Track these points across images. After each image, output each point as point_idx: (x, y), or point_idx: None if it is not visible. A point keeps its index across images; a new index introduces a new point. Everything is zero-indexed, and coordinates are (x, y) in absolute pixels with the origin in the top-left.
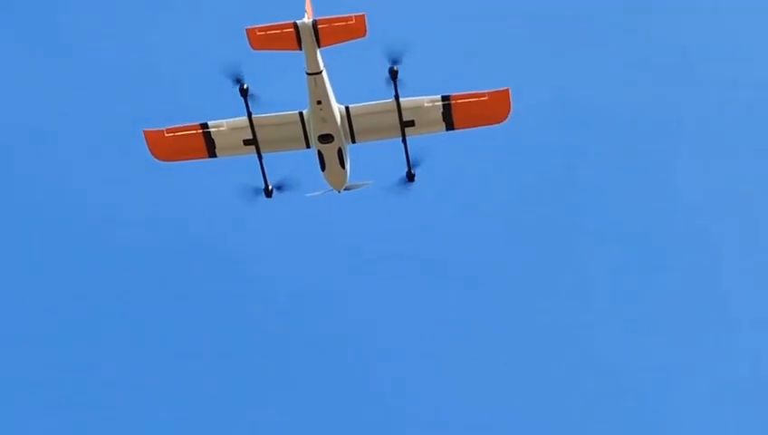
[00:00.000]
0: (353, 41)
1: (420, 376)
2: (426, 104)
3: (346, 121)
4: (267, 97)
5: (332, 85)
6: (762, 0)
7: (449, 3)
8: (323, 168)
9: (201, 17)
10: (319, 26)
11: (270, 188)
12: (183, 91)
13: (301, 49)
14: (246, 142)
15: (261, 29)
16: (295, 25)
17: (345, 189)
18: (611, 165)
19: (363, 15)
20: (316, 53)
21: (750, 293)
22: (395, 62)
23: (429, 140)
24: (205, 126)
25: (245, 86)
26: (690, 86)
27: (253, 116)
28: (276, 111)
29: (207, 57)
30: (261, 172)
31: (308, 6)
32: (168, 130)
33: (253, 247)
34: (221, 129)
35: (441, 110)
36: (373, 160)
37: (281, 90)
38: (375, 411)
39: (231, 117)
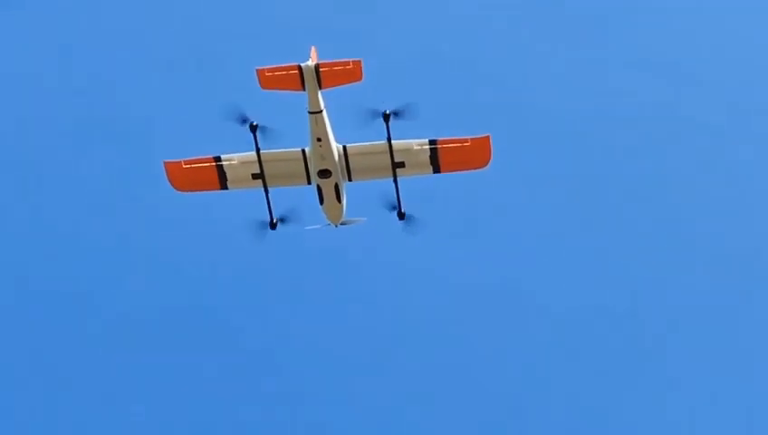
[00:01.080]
0: (351, 84)
1: None
2: (415, 147)
3: (343, 159)
4: (274, 133)
5: (332, 125)
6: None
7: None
8: (322, 202)
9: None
10: (320, 69)
11: (274, 220)
12: (197, 126)
13: (304, 90)
14: (254, 176)
15: (269, 70)
16: (299, 68)
17: (342, 224)
18: None
19: (360, 61)
20: (317, 94)
21: None
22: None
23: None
24: (218, 159)
25: (255, 123)
26: None
27: (260, 151)
28: (282, 148)
29: (222, 93)
30: (267, 205)
31: (313, 53)
32: (186, 162)
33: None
34: (232, 162)
35: (429, 153)
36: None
37: (286, 127)
38: None
39: (241, 151)
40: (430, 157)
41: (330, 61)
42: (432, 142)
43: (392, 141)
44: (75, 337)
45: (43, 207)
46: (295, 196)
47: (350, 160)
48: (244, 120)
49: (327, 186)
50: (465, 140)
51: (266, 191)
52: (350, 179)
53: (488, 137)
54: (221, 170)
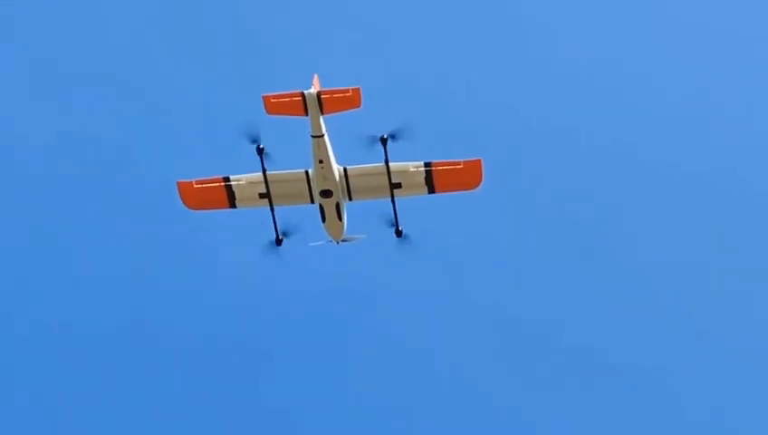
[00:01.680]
0: (351, 110)
1: None
2: (411, 169)
3: (344, 180)
4: (279, 155)
5: (333, 148)
6: None
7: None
8: (324, 220)
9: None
10: (322, 96)
11: (280, 237)
12: (209, 146)
13: (307, 115)
14: (261, 195)
15: (274, 96)
16: (302, 95)
17: (342, 241)
18: None
19: (359, 89)
20: (319, 119)
21: None
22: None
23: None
24: (227, 179)
25: (261, 146)
26: None
27: (266, 172)
28: (286, 169)
29: (230, 117)
30: (272, 223)
31: (315, 81)
32: (197, 182)
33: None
34: (240, 182)
35: (424, 175)
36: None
37: (290, 149)
38: None
39: (248, 172)
40: (425, 178)
41: (331, 88)
42: (427, 165)
43: (389, 163)
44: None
45: (56, 231)
46: (299, 214)
47: (350, 181)
48: (254, 141)
49: (329, 205)
50: (458, 163)
51: (272, 210)
52: (350, 199)
53: (479, 160)
54: (230, 190)
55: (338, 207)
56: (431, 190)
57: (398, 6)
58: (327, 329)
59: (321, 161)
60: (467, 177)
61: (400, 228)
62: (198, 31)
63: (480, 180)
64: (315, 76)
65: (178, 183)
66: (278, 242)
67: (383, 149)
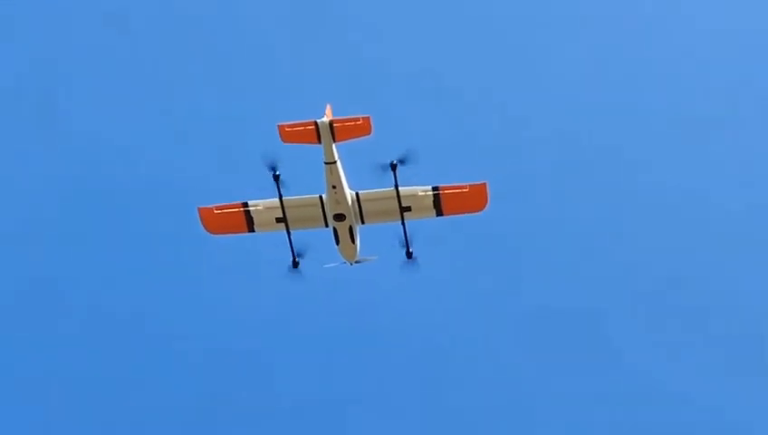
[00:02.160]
0: (362, 138)
1: None
2: (420, 193)
3: (356, 204)
4: (294, 181)
5: (345, 173)
6: None
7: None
8: (338, 242)
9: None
10: (334, 125)
11: (296, 260)
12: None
13: (320, 143)
14: (278, 220)
15: (289, 125)
16: (315, 124)
17: (356, 262)
18: None
19: (369, 117)
20: (332, 147)
21: None
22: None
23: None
24: (245, 205)
25: (277, 173)
26: None
27: (283, 198)
28: (302, 194)
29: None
30: (289, 246)
31: (328, 110)
32: (217, 208)
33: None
34: (258, 207)
35: (432, 198)
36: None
37: (305, 175)
38: None
39: (265, 198)
40: (433, 202)
41: (342, 117)
42: (435, 189)
43: (399, 188)
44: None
45: (85, 254)
46: (314, 237)
47: (362, 205)
48: (271, 168)
49: (342, 228)
50: (464, 187)
51: (288, 233)
52: (362, 222)
53: (485, 184)
54: (248, 215)
55: (351, 230)
56: (439, 213)
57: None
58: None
59: (334, 187)
60: (473, 200)
61: (410, 250)
62: (215, 58)
63: (486, 203)
64: (328, 106)
65: (199, 209)
66: (295, 264)
67: (393, 175)
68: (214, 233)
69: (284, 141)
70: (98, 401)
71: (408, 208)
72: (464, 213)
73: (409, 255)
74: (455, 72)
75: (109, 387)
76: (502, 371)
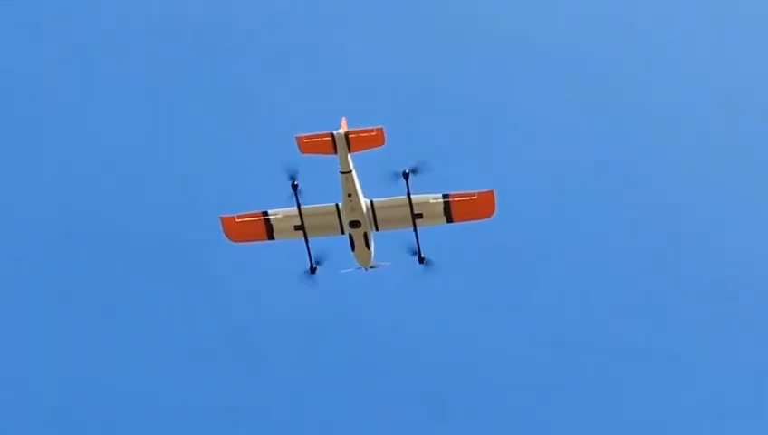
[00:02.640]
0: (375, 148)
1: None
2: (431, 200)
3: (371, 212)
4: (312, 190)
5: (360, 182)
6: None
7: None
8: (353, 248)
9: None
10: (349, 136)
11: (314, 266)
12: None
13: (336, 153)
14: (296, 228)
15: (307, 137)
16: (332, 135)
17: (371, 267)
18: None
19: (382, 128)
20: (347, 157)
21: None
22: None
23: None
24: (265, 214)
25: (296, 183)
26: None
27: (301, 206)
28: (318, 203)
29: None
30: (307, 253)
31: (343, 122)
32: (239, 217)
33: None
34: (277, 216)
35: (442, 206)
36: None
37: (322, 184)
38: None
39: (284, 207)
40: (444, 209)
41: (357, 128)
42: (445, 196)
43: (411, 196)
44: None
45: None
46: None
47: (376, 213)
48: (291, 178)
49: (357, 235)
50: (473, 194)
51: (306, 241)
52: (377, 229)
53: (492, 191)
54: (268, 224)
55: (365, 236)
56: (449, 220)
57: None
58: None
59: (349, 195)
60: (482, 207)
61: (423, 256)
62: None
63: (493, 210)
64: (343, 118)
65: (222, 218)
66: (312, 270)
67: (405, 184)
68: (235, 241)
69: (303, 152)
70: None
71: (420, 215)
72: (473, 220)
73: (421, 260)
74: (461, 79)
75: None
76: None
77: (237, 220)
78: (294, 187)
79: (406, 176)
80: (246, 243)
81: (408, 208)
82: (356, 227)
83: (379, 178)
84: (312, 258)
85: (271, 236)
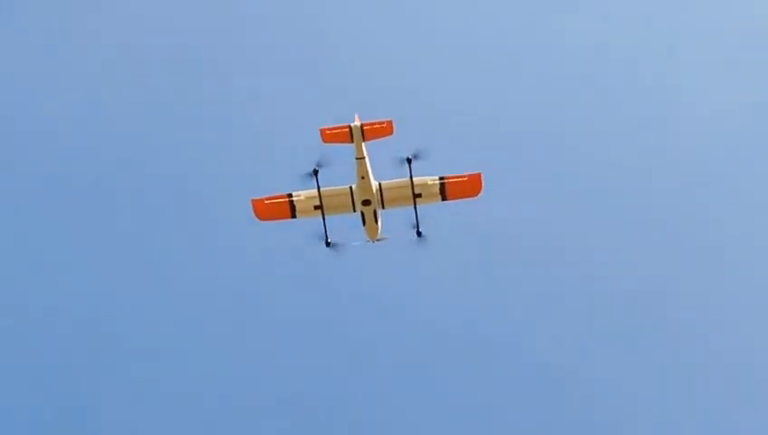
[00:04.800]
0: (386, 138)
1: None
2: (429, 182)
3: (379, 192)
4: (331, 175)
5: (372, 167)
6: None
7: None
8: (364, 223)
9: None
10: (364, 128)
11: (329, 240)
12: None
13: (352, 142)
14: (316, 207)
15: (329, 129)
16: (350, 127)
17: (377, 241)
18: None
19: (391, 120)
20: (362, 145)
21: None
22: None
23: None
24: (290, 196)
25: (317, 168)
26: None
27: (320, 189)
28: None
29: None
30: (324, 229)
31: (356, 117)
32: (267, 199)
33: None
34: (300, 198)
35: (439, 186)
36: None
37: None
38: None
39: (304, 189)
40: (440, 189)
41: (370, 121)
42: (441, 178)
43: (413, 178)
44: None
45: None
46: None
47: (383, 193)
48: (316, 166)
49: (368, 212)
50: (464, 176)
51: (324, 218)
52: (383, 207)
53: (480, 174)
54: (292, 204)
55: (375, 213)
56: (444, 198)
57: None
58: None
59: (363, 177)
60: (471, 187)
61: (420, 230)
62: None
63: (480, 189)
64: (356, 114)
65: (252, 200)
66: (327, 244)
67: (408, 168)
68: (263, 220)
69: (324, 142)
70: None
71: (420, 195)
72: (463, 198)
73: (419, 233)
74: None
75: None
76: None
77: (266, 202)
78: (316, 172)
79: (409, 161)
80: (272, 221)
81: (410, 189)
82: (367, 205)
83: (386, 164)
84: (328, 234)
85: (294, 215)
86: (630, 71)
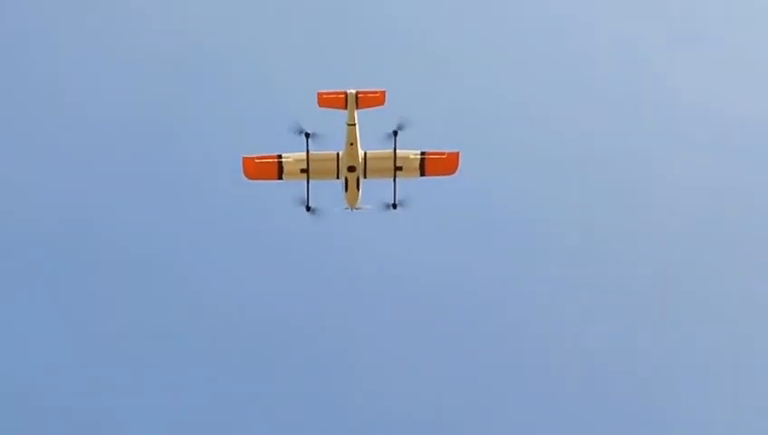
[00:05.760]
0: (378, 107)
1: None
2: (411, 156)
3: (363, 161)
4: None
5: (360, 135)
6: None
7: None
8: (346, 189)
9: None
10: (359, 95)
11: (310, 205)
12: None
13: (346, 108)
14: (302, 171)
15: (325, 93)
16: (346, 93)
17: (357, 209)
18: None
19: (384, 91)
20: (354, 112)
21: None
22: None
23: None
24: (279, 157)
25: (308, 132)
26: None
27: (309, 153)
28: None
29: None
30: (306, 193)
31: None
32: (257, 158)
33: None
34: (288, 160)
35: (419, 161)
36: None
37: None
38: None
39: (292, 151)
40: (419, 164)
41: (364, 90)
42: (422, 153)
43: (397, 151)
44: None
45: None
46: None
47: (367, 162)
48: (300, 131)
49: (351, 178)
50: (443, 153)
51: (308, 182)
52: (365, 177)
53: (458, 152)
54: (280, 166)
55: (358, 180)
56: (422, 174)
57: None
58: None
59: (351, 144)
60: (449, 164)
61: (397, 202)
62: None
63: (456, 168)
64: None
65: (244, 158)
66: (308, 209)
67: (393, 140)
68: (250, 178)
69: (320, 106)
70: None
71: (400, 168)
72: (440, 175)
73: (395, 206)
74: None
75: None
76: None
77: (256, 161)
78: (307, 135)
79: (395, 133)
80: (258, 181)
81: (392, 161)
82: (352, 172)
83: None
84: (310, 199)
85: (280, 177)
86: (622, 58)
